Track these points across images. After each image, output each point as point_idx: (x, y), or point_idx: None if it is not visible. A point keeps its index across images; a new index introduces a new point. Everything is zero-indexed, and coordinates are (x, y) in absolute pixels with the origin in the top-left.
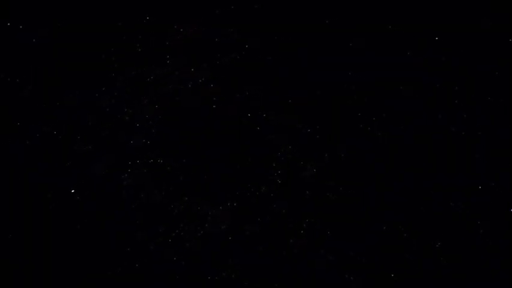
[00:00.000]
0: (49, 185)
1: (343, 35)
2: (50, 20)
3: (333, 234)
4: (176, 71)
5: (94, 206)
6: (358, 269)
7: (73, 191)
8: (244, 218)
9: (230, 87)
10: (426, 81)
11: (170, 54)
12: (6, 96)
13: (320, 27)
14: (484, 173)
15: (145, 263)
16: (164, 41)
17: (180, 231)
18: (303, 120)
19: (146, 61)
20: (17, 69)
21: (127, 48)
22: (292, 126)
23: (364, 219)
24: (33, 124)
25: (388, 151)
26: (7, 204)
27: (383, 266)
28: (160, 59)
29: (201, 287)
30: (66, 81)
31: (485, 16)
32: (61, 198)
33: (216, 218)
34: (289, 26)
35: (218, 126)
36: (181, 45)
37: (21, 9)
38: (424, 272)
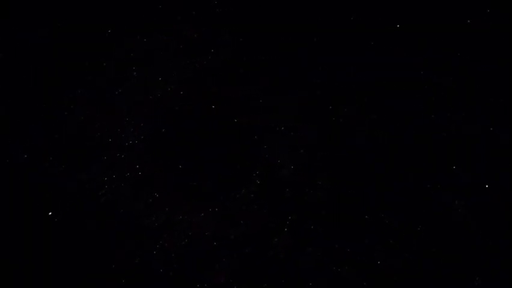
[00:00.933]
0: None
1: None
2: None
3: (317, 230)
4: (144, 80)
5: (74, 225)
6: (345, 263)
7: (50, 213)
8: (227, 222)
9: (199, 94)
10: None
11: (135, 66)
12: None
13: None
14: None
15: (133, 277)
16: (129, 53)
17: (164, 242)
18: (278, 119)
19: (111, 73)
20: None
21: (93, 64)
22: (267, 126)
23: (348, 213)
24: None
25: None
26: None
27: (372, 260)
28: (126, 71)
29: None
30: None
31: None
32: (41, 216)
33: (199, 224)
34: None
35: (192, 134)
36: (146, 55)
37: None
38: (414, 268)
